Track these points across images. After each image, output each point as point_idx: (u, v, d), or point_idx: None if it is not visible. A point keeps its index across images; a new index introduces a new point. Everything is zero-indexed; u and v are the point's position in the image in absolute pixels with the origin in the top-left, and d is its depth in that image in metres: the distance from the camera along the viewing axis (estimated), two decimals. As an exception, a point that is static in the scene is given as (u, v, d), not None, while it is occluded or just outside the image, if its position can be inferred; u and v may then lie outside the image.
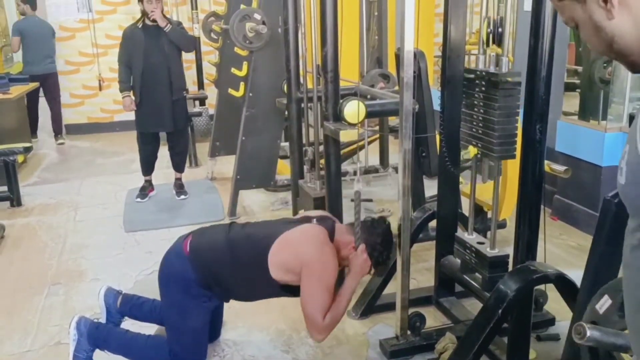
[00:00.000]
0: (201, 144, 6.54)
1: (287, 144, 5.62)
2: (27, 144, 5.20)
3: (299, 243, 2.38)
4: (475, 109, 2.54)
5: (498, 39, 2.49)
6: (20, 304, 3.28)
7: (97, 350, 2.59)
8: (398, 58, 3.63)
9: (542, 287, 2.74)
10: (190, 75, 7.72)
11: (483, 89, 2.48)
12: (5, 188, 4.93)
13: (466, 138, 2.64)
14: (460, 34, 2.67)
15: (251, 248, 2.41)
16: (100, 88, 7.72)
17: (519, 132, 2.40)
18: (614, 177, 3.57)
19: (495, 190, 2.60)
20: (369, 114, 2.95)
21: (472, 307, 2.98)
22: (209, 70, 6.57)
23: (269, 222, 2.58)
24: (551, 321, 2.88)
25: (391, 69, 4.81)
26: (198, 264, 2.42)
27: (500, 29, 2.48)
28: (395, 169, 4.94)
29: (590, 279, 1.93)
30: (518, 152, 2.44)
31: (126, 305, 2.80)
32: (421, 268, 3.55)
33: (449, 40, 2.65)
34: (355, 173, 4.82)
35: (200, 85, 7.55)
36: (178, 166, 5.15)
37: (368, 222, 2.49)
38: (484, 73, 2.47)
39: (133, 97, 4.72)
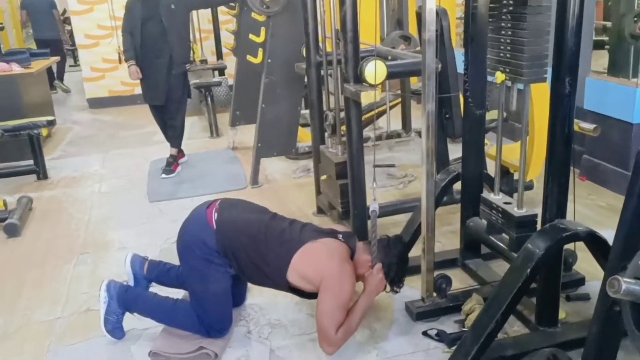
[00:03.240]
0: (221, 114, 6.53)
1: (307, 111, 5.59)
2: (51, 117, 5.24)
3: (322, 257, 2.39)
4: (503, 32, 2.41)
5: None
6: (50, 273, 3.34)
7: (127, 315, 2.63)
8: (420, 17, 3.54)
9: (571, 247, 2.69)
10: (208, 46, 7.71)
11: (511, 9, 2.35)
12: (31, 161, 5.00)
13: (493, 65, 2.52)
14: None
15: (278, 245, 2.43)
16: (120, 61, 7.72)
17: (548, 82, 2.30)
18: (645, 134, 3.35)
19: (523, 148, 2.53)
20: (390, 75, 2.88)
21: (499, 268, 2.94)
22: (228, 40, 6.50)
23: (297, 222, 2.57)
24: (581, 281, 2.83)
25: (412, 31, 4.70)
26: (223, 240, 2.44)
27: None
28: (418, 133, 4.87)
29: (624, 234, 1.86)
30: (547, 108, 2.34)
31: (153, 271, 2.82)
32: (446, 231, 3.51)
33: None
34: (378, 138, 4.76)
35: (219, 55, 7.50)
36: (171, 140, 5.06)
37: (384, 242, 2.50)
38: (511, -9, 2.34)
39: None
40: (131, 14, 4.67)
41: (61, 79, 9.76)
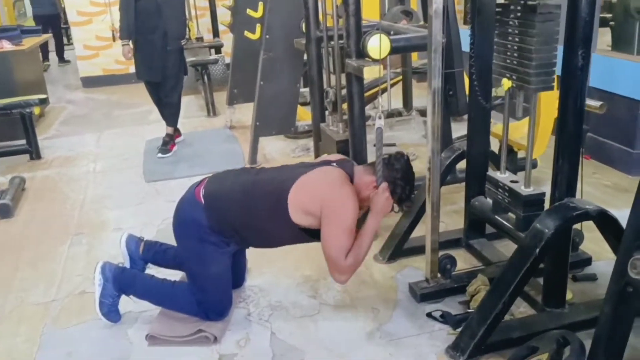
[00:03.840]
0: (218, 93, 6.41)
1: (306, 89, 5.47)
2: (43, 96, 5.12)
3: (318, 185, 2.29)
4: (510, 38, 2.34)
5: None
6: (44, 254, 3.27)
7: (124, 297, 2.56)
8: (423, -10, 3.43)
9: (577, 226, 2.62)
10: (204, 23, 7.55)
11: (519, 14, 2.28)
12: (23, 141, 4.89)
13: (499, 70, 2.46)
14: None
15: (270, 192, 2.32)
16: (114, 39, 7.58)
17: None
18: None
19: (530, 125, 2.44)
20: (394, 49, 2.79)
21: (504, 248, 2.88)
22: (225, 17, 6.35)
23: (286, 166, 2.48)
24: (587, 261, 2.77)
25: (414, 6, 4.58)
26: (213, 213, 2.35)
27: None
28: (419, 112, 4.78)
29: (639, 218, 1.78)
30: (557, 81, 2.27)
31: (149, 251, 2.75)
32: (449, 211, 3.44)
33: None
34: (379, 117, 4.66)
35: (216, 32, 7.35)
36: (167, 119, 4.95)
37: (386, 159, 2.35)
38: (519, -3, 2.27)
39: (132, 46, 4.62)
40: None
41: (61, 56, 9.78)
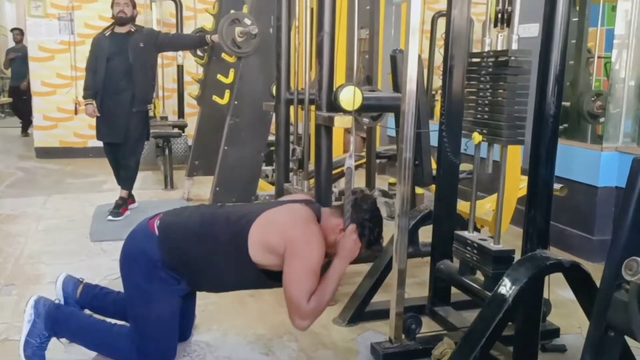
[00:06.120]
0: (177, 170, 6.29)
1: (268, 168, 5.44)
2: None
3: (284, 221, 2.16)
4: (481, 94, 2.37)
5: (507, 19, 2.36)
6: (-33, 302, 2.93)
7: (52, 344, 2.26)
8: (394, 61, 3.54)
9: (545, 296, 2.54)
10: (171, 104, 7.60)
11: (490, 70, 2.32)
12: (-37, 195, 4.59)
13: (469, 127, 2.46)
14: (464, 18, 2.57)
15: (230, 226, 2.17)
16: (76, 112, 7.51)
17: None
18: (610, 198, 3.43)
19: (502, 173, 2.40)
20: (365, 106, 2.79)
21: (471, 317, 2.73)
22: (191, 101, 6.36)
23: (250, 203, 2.35)
24: (556, 332, 2.65)
25: (380, 87, 4.73)
26: (167, 245, 2.17)
27: (509, 8, 2.36)
28: (381, 192, 4.77)
29: (618, 255, 1.72)
30: (517, 166, 2.27)
31: (87, 295, 2.48)
32: (412, 283, 3.30)
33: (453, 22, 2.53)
34: (341, 194, 4.62)
35: (181, 114, 7.40)
36: (122, 182, 4.76)
37: (352, 200, 2.27)
38: (491, 53, 2.33)
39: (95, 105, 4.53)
40: (97, 50, 4.54)
41: (25, 128, 10.06)
